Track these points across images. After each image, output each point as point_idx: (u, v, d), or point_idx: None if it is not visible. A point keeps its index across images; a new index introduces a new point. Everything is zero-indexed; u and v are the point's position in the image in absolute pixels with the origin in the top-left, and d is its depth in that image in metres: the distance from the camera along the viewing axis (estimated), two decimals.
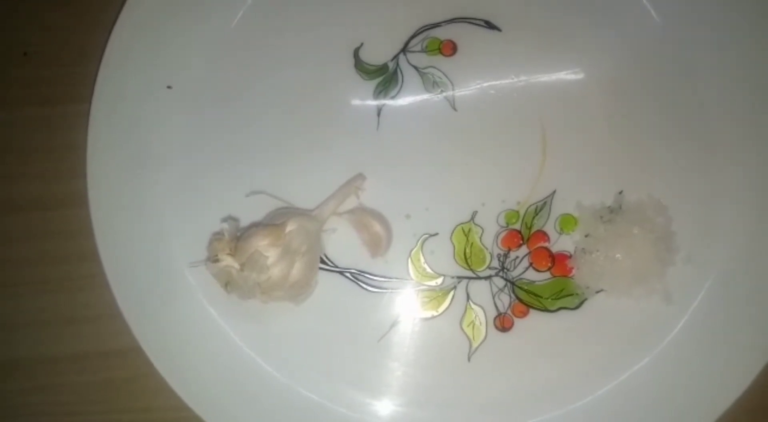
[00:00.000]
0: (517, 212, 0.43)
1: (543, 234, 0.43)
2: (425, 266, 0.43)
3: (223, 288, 0.40)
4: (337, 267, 0.43)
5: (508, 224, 0.43)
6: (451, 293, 0.42)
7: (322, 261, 0.42)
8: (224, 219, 0.42)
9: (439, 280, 0.43)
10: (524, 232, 0.43)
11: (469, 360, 0.42)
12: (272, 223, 0.41)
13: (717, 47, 0.43)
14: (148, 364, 0.40)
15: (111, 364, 0.43)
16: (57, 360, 0.43)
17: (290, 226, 0.40)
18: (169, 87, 0.43)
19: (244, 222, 0.42)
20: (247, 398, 0.41)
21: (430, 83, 0.44)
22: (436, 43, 0.44)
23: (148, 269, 0.42)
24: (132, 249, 0.42)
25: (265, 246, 0.39)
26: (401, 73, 0.44)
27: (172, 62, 0.43)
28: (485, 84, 0.44)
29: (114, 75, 0.43)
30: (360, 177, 0.43)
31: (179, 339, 0.41)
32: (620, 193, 0.43)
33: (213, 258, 0.40)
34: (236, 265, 0.39)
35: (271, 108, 0.44)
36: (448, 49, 0.44)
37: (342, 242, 0.43)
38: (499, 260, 0.43)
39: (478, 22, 0.44)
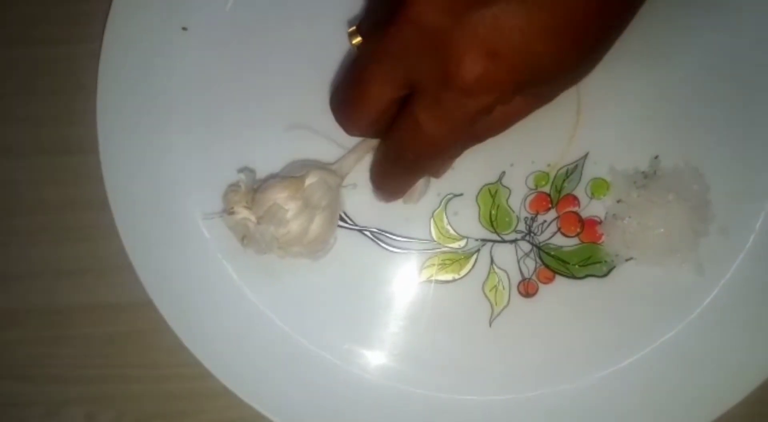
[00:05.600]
0: (548, 174, 0.41)
1: (573, 198, 0.41)
2: (448, 227, 0.41)
3: (240, 242, 0.39)
4: (356, 225, 0.41)
5: (537, 186, 0.41)
6: (474, 256, 0.41)
7: (341, 219, 0.41)
8: (240, 170, 0.40)
9: (462, 242, 0.41)
10: (554, 196, 0.41)
11: (490, 325, 0.40)
12: (291, 176, 0.39)
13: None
14: (159, 319, 0.39)
15: (119, 318, 0.41)
16: (61, 311, 0.42)
17: (310, 179, 0.38)
18: (184, 28, 0.41)
19: (261, 173, 0.40)
20: (260, 354, 0.40)
21: None
22: None
23: (160, 219, 0.40)
24: (144, 198, 0.40)
25: (284, 199, 0.37)
26: None
27: (189, 0, 0.41)
28: None
29: (126, 13, 0.40)
30: None
31: (191, 294, 0.40)
32: (656, 158, 0.41)
33: (229, 211, 0.38)
34: (253, 218, 0.38)
35: (293, 54, 0.41)
36: None
37: (362, 200, 0.41)
38: (526, 223, 0.41)
39: None
